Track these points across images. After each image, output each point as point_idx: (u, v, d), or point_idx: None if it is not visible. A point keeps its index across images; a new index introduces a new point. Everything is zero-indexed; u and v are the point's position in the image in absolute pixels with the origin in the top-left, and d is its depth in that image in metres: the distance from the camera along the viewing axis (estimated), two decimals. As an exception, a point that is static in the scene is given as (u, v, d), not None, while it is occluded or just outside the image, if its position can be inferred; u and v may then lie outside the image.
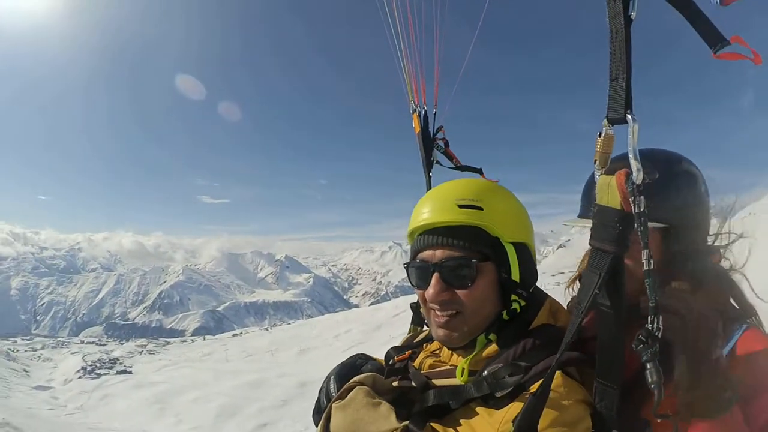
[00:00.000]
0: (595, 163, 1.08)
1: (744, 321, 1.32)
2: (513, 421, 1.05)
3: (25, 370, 24.51)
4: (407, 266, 1.44)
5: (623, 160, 1.02)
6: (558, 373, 1.15)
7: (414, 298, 1.66)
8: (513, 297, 1.34)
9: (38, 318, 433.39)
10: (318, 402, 1.58)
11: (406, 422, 1.19)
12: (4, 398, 17.46)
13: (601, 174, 1.07)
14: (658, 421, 1.06)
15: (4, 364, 24.03)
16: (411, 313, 2.05)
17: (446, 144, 2.28)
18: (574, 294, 1.63)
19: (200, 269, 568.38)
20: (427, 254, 1.37)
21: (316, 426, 1.43)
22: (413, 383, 1.38)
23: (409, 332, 1.97)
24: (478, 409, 1.18)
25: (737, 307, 1.37)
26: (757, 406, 1.20)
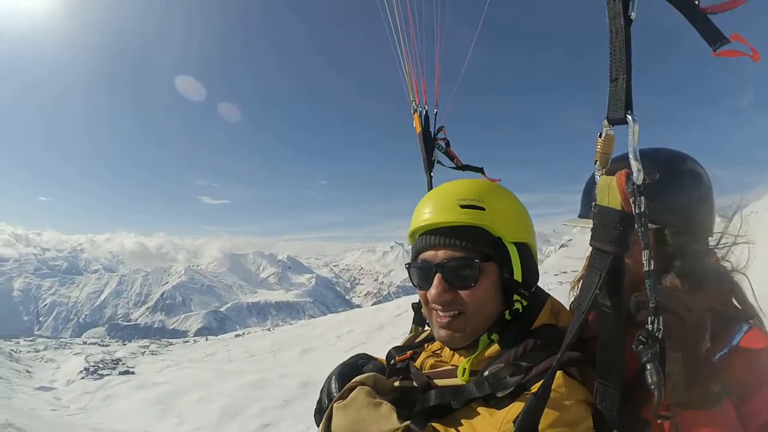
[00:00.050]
0: (595, 163, 1.09)
1: (746, 321, 1.32)
2: (514, 422, 1.05)
3: (27, 371, 24.55)
4: (409, 266, 1.45)
5: (624, 160, 1.02)
6: (559, 373, 1.16)
7: (416, 298, 1.67)
8: (515, 297, 1.34)
9: (41, 319, 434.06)
10: (319, 402, 1.58)
11: (408, 422, 1.20)
12: (6, 399, 17.49)
13: (602, 174, 1.07)
14: (659, 421, 1.06)
15: (6, 365, 24.07)
16: (413, 313, 2.05)
17: (447, 144, 2.28)
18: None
19: (202, 270, 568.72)
20: (429, 255, 1.37)
21: (318, 426, 1.43)
22: (414, 383, 1.38)
23: (411, 332, 1.97)
24: (480, 409, 1.18)
25: (739, 307, 1.37)
26: (756, 404, 1.20)
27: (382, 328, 24.53)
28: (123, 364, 26.44)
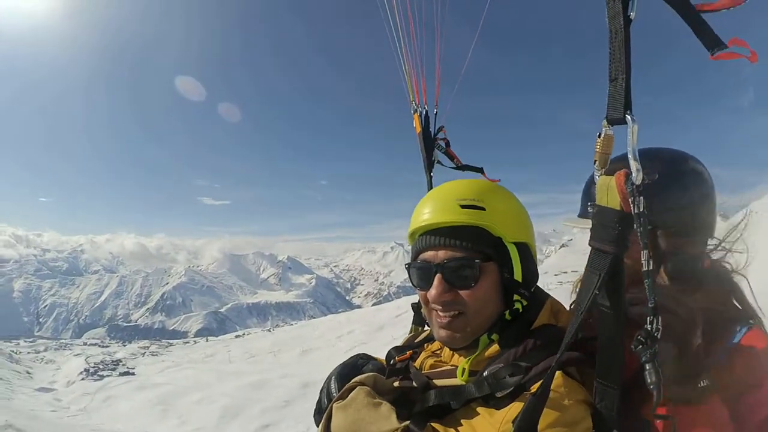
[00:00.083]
0: (594, 163, 1.08)
1: (746, 321, 1.32)
2: (513, 422, 1.05)
3: (27, 372, 24.54)
4: (409, 267, 1.44)
5: (623, 160, 1.02)
6: (558, 373, 1.15)
7: (416, 298, 1.66)
8: (515, 297, 1.34)
9: (41, 320, 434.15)
10: (319, 402, 1.58)
11: (407, 422, 1.19)
12: (6, 400, 17.47)
13: (601, 174, 1.07)
14: (658, 421, 1.06)
15: (6, 366, 24.06)
16: (413, 314, 2.05)
17: (447, 144, 2.28)
18: None
19: (202, 270, 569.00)
20: (429, 255, 1.37)
21: (317, 426, 1.43)
22: (414, 383, 1.38)
23: (411, 332, 1.97)
24: (479, 410, 1.18)
25: (740, 307, 1.37)
26: (754, 401, 1.20)
27: (382, 328, 24.53)
28: (123, 365, 26.44)
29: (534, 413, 1.03)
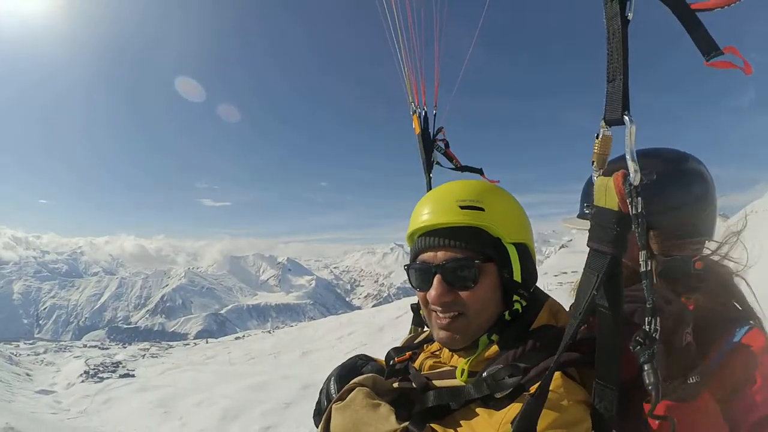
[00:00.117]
0: (592, 164, 1.08)
1: (747, 321, 1.32)
2: (512, 422, 1.05)
3: (27, 374, 24.53)
4: (408, 268, 1.44)
5: (622, 161, 1.02)
6: (558, 374, 1.15)
7: (416, 299, 1.66)
8: (515, 297, 1.34)
9: (41, 322, 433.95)
10: (318, 403, 1.58)
11: (406, 423, 1.19)
12: (7, 402, 17.48)
13: (599, 175, 1.07)
14: (657, 422, 1.06)
15: (6, 369, 24.05)
16: (413, 315, 2.05)
17: (446, 145, 2.28)
18: None
19: (202, 272, 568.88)
20: (428, 256, 1.36)
21: (317, 427, 1.42)
22: (413, 384, 1.38)
23: (410, 333, 1.97)
24: (478, 410, 1.18)
25: (740, 308, 1.37)
26: (750, 401, 1.20)
27: (382, 329, 24.52)
28: (123, 367, 26.44)
29: (533, 414, 1.02)
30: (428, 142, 2.29)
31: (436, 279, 1.32)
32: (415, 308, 1.98)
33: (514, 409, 1.10)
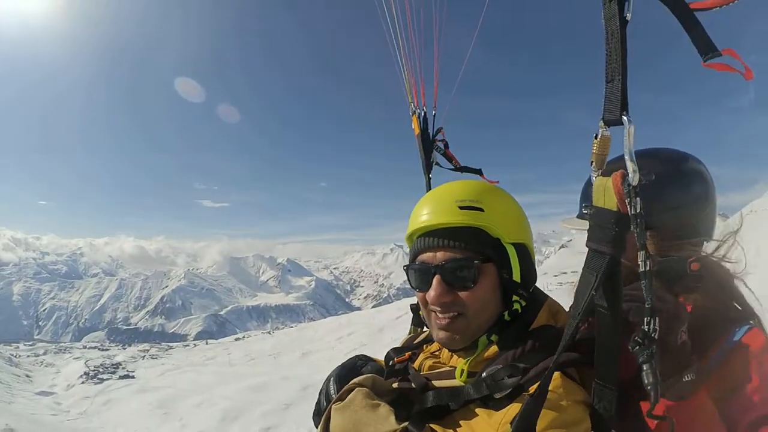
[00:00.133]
0: (591, 164, 1.08)
1: (747, 321, 1.32)
2: (511, 423, 1.05)
3: (27, 376, 24.49)
4: (407, 268, 1.44)
5: (621, 161, 1.02)
6: (557, 374, 1.16)
7: (416, 299, 1.66)
8: (514, 298, 1.34)
9: (40, 323, 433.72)
10: (318, 403, 1.58)
11: (405, 423, 1.19)
12: (6, 404, 17.44)
13: (598, 175, 1.07)
14: (655, 422, 1.06)
15: (6, 370, 24.01)
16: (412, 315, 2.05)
17: (446, 145, 2.28)
18: None
19: (202, 273, 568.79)
20: (427, 256, 1.36)
21: (316, 427, 1.42)
22: (413, 384, 1.38)
23: (410, 333, 1.97)
24: (478, 411, 1.18)
25: (740, 308, 1.37)
26: (748, 400, 1.20)
27: (382, 330, 24.48)
28: (123, 368, 26.37)
29: (532, 414, 1.02)
30: (428, 142, 2.29)
31: (436, 279, 1.32)
32: (414, 309, 1.98)
33: (514, 409, 1.10)
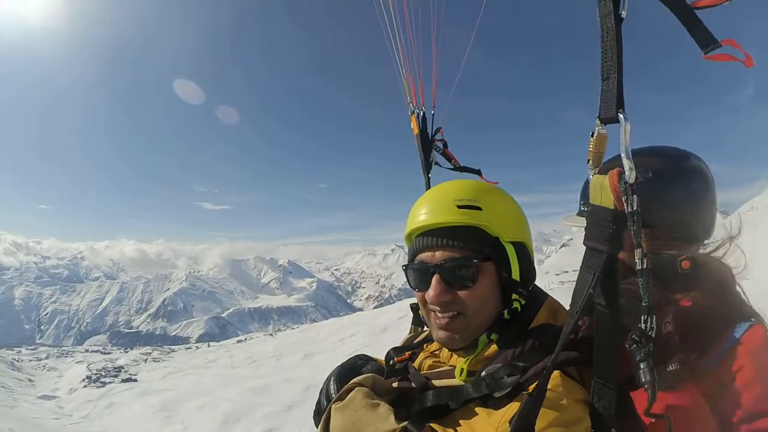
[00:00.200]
0: (588, 162, 1.09)
1: (747, 319, 1.32)
2: (510, 422, 1.05)
3: (30, 380, 24.53)
4: (406, 268, 1.43)
5: (620, 159, 1.01)
6: (557, 372, 1.16)
7: (416, 299, 1.66)
8: (513, 296, 1.34)
9: (42, 327, 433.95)
10: (318, 403, 1.58)
11: (405, 423, 1.19)
12: (9, 408, 17.47)
13: (595, 174, 1.07)
14: (653, 420, 1.06)
15: (9, 374, 24.05)
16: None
17: (445, 145, 2.28)
18: None
19: (203, 276, 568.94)
20: (426, 256, 1.36)
21: (317, 427, 1.42)
22: (412, 384, 1.38)
23: (410, 333, 1.97)
24: (477, 410, 1.18)
25: (740, 306, 1.37)
26: (742, 396, 1.20)
27: (384, 331, 24.49)
28: (125, 371, 26.41)
29: (530, 413, 1.02)
30: (427, 142, 2.29)
31: (435, 279, 1.31)
32: (414, 308, 1.98)
33: (513, 408, 1.10)
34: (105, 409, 18.17)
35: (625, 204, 0.98)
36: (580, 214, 1.78)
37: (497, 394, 1.16)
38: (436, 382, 1.35)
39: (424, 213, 1.38)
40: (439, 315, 1.34)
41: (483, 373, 1.23)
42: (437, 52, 2.20)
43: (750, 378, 1.20)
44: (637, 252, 0.98)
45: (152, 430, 14.84)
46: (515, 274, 1.34)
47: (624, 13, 0.97)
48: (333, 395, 1.48)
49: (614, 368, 1.08)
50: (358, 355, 1.73)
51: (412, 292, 1.45)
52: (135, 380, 23.84)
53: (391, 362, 1.58)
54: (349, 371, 1.59)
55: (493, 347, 1.31)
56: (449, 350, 1.42)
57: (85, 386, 22.90)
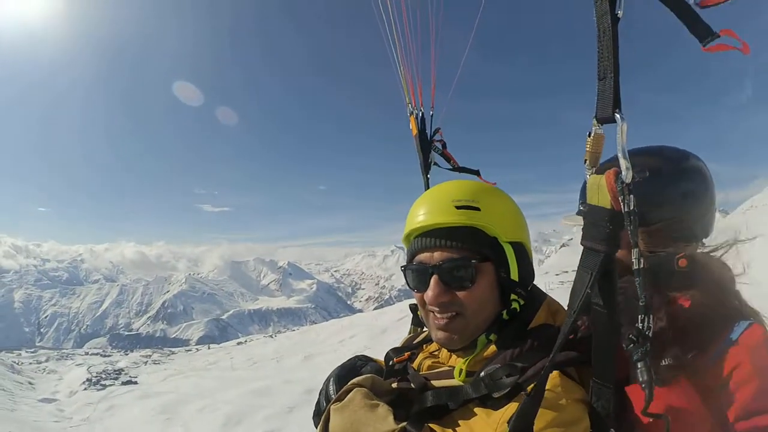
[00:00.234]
0: (585, 162, 1.09)
1: (747, 317, 1.32)
2: (509, 422, 1.04)
3: (30, 383, 24.51)
4: (405, 269, 1.43)
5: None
6: (556, 373, 1.16)
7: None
8: (512, 296, 1.34)
9: (42, 330, 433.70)
10: (318, 404, 1.58)
11: (404, 423, 1.19)
12: (10, 411, 17.45)
13: (592, 173, 1.07)
14: (651, 419, 1.06)
15: (9, 377, 24.03)
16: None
17: (444, 145, 2.28)
18: None
19: (203, 278, 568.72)
20: (424, 256, 1.36)
21: (316, 427, 1.43)
22: (412, 384, 1.38)
23: (410, 333, 1.97)
24: (477, 410, 1.18)
25: (739, 305, 1.37)
26: (740, 394, 1.20)
27: (385, 332, 24.47)
28: (125, 374, 26.40)
29: (529, 413, 1.02)
30: (425, 142, 2.29)
31: (433, 279, 1.31)
32: (413, 309, 1.98)
33: (512, 408, 1.10)
34: (105, 411, 18.15)
35: (621, 204, 0.98)
36: (579, 213, 1.78)
37: (496, 395, 1.16)
38: (436, 383, 1.35)
39: (422, 214, 1.37)
40: (438, 316, 1.34)
41: (482, 374, 1.23)
42: (436, 53, 2.21)
43: (748, 375, 1.20)
44: (634, 251, 0.98)
45: (153, 432, 14.82)
46: (514, 275, 1.34)
47: (620, 13, 0.98)
48: (332, 396, 1.47)
49: (612, 368, 1.08)
50: (357, 356, 1.73)
51: (412, 294, 1.45)
52: (135, 383, 23.82)
53: (390, 363, 1.58)
54: (348, 372, 1.59)
55: (492, 348, 1.31)
56: (448, 351, 1.42)
57: (85, 389, 22.89)
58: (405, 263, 1.46)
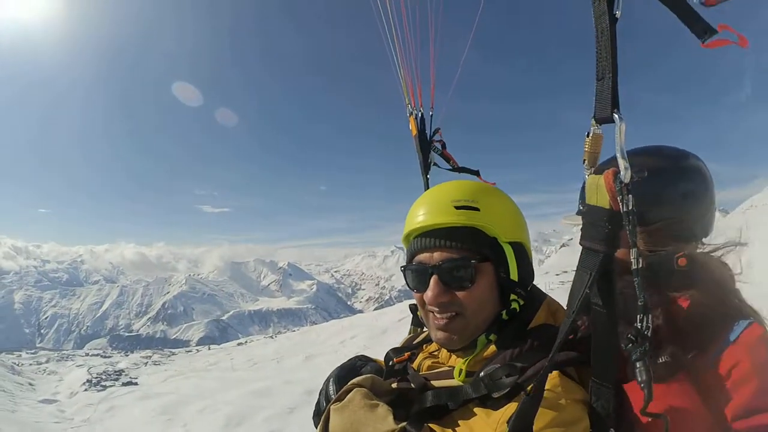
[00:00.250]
0: (584, 162, 1.09)
1: (747, 317, 1.32)
2: (508, 422, 1.04)
3: (30, 384, 24.48)
4: (404, 269, 1.43)
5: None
6: (556, 373, 1.16)
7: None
8: (512, 296, 1.34)
9: (42, 331, 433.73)
10: (318, 404, 1.58)
11: (404, 423, 1.19)
12: (10, 412, 17.42)
13: (590, 174, 1.07)
14: (650, 419, 1.06)
15: (9, 378, 24.00)
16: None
17: (443, 146, 2.29)
18: None
19: (203, 279, 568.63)
20: (424, 256, 1.36)
21: (316, 427, 1.43)
22: (412, 384, 1.38)
23: (410, 333, 1.97)
24: (476, 410, 1.18)
25: (739, 304, 1.38)
26: (739, 393, 1.20)
27: (385, 332, 24.44)
28: (126, 375, 26.37)
29: (528, 413, 1.02)
30: (425, 143, 2.29)
31: (433, 280, 1.31)
32: (413, 309, 1.98)
33: (512, 408, 1.10)
34: (106, 412, 18.12)
35: (620, 204, 0.98)
36: (579, 213, 1.78)
37: (496, 395, 1.16)
38: (435, 383, 1.35)
39: (422, 214, 1.38)
40: (438, 316, 1.34)
41: (482, 374, 1.23)
42: (435, 53, 2.21)
43: (747, 374, 1.20)
44: (633, 251, 0.98)
45: (153, 433, 14.80)
46: (513, 275, 1.34)
47: (618, 13, 0.98)
48: (332, 396, 1.47)
49: (612, 368, 1.09)
50: (357, 356, 1.73)
51: (412, 294, 1.45)
52: (135, 384, 23.81)
53: (390, 363, 1.58)
54: (348, 372, 1.59)
55: (492, 348, 1.31)
56: (448, 351, 1.42)
57: (85, 390, 22.86)
58: (405, 263, 1.46)
